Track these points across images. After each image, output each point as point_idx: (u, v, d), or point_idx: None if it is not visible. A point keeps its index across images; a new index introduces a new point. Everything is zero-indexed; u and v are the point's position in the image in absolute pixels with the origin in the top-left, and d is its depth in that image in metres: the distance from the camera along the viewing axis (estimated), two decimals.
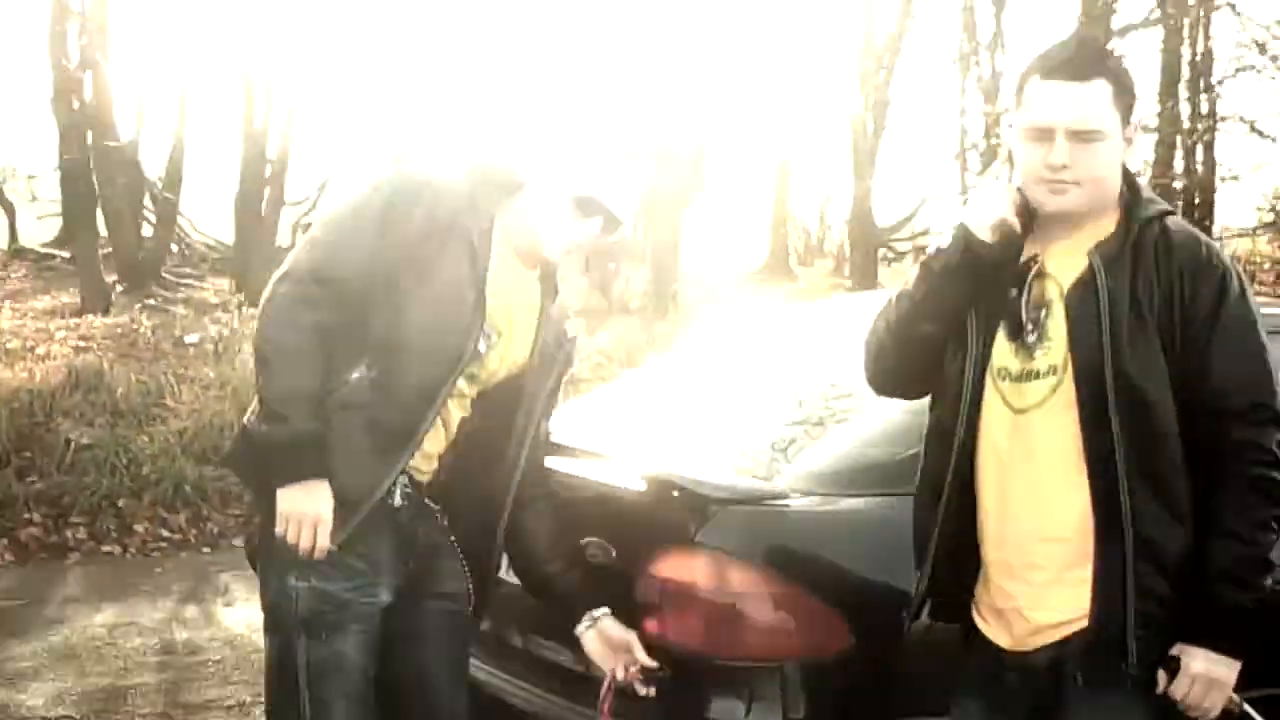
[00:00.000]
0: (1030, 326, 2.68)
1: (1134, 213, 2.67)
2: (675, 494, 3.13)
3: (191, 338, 12.08)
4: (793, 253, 28.77)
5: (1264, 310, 2.74)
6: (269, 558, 3.09)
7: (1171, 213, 2.71)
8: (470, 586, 3.28)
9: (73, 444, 9.01)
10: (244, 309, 12.86)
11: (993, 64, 24.23)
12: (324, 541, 2.97)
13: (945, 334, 2.77)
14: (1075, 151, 2.60)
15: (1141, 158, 3.35)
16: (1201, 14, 19.69)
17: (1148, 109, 18.00)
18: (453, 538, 3.27)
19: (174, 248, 19.23)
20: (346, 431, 3.01)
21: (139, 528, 8.44)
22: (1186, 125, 19.93)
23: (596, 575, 3.28)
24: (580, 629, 3.22)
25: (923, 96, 30.88)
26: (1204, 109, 20.50)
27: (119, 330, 12.74)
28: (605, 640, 3.20)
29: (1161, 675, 2.57)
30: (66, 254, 18.25)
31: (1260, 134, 18.78)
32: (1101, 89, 2.61)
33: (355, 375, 3.03)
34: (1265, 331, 2.66)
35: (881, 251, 24.14)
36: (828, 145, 29.08)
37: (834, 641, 3.05)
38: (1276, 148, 18.83)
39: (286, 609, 3.06)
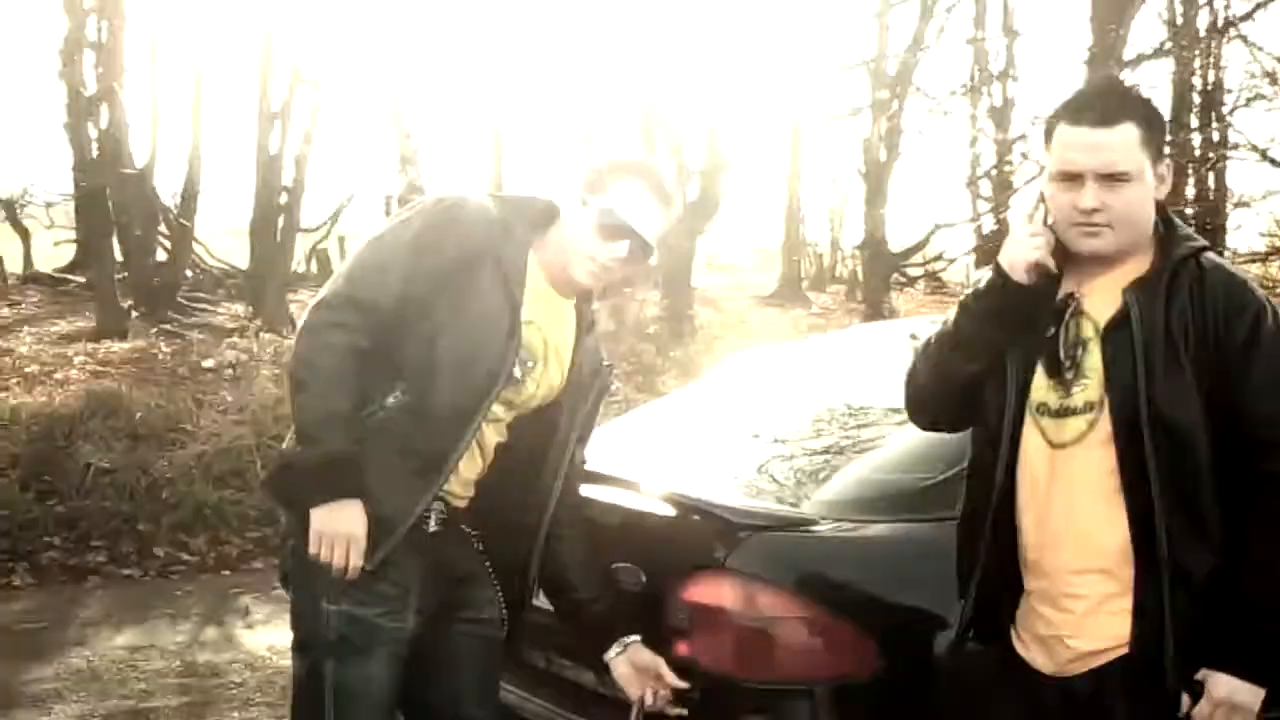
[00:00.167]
0: (1068, 364, 2.71)
1: (1169, 250, 2.70)
2: (703, 519, 3.18)
3: (209, 362, 12.12)
4: (805, 278, 28.78)
5: None
6: (301, 580, 3.14)
7: (1208, 248, 2.74)
8: (504, 612, 3.31)
9: (92, 468, 9.06)
10: (260, 334, 12.89)
11: (1004, 92, 24.33)
12: (357, 561, 3.00)
13: (983, 371, 2.82)
14: (1105, 194, 2.64)
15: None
16: (1212, 45, 19.73)
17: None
18: (488, 563, 3.31)
19: (188, 273, 19.29)
20: (381, 455, 3.05)
21: (159, 551, 8.47)
22: (1198, 153, 19.96)
23: (627, 600, 3.32)
24: (610, 655, 3.26)
25: (935, 123, 30.90)
26: (1214, 137, 20.54)
27: (136, 355, 12.79)
28: (635, 666, 3.23)
29: (1185, 699, 2.60)
30: (81, 279, 18.34)
31: (1272, 162, 18.80)
32: (1129, 132, 2.65)
33: (390, 400, 3.07)
34: None
35: (894, 277, 24.16)
36: (841, 171, 29.12)
37: (863, 664, 3.08)
38: None
39: (316, 631, 3.10)
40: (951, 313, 2.87)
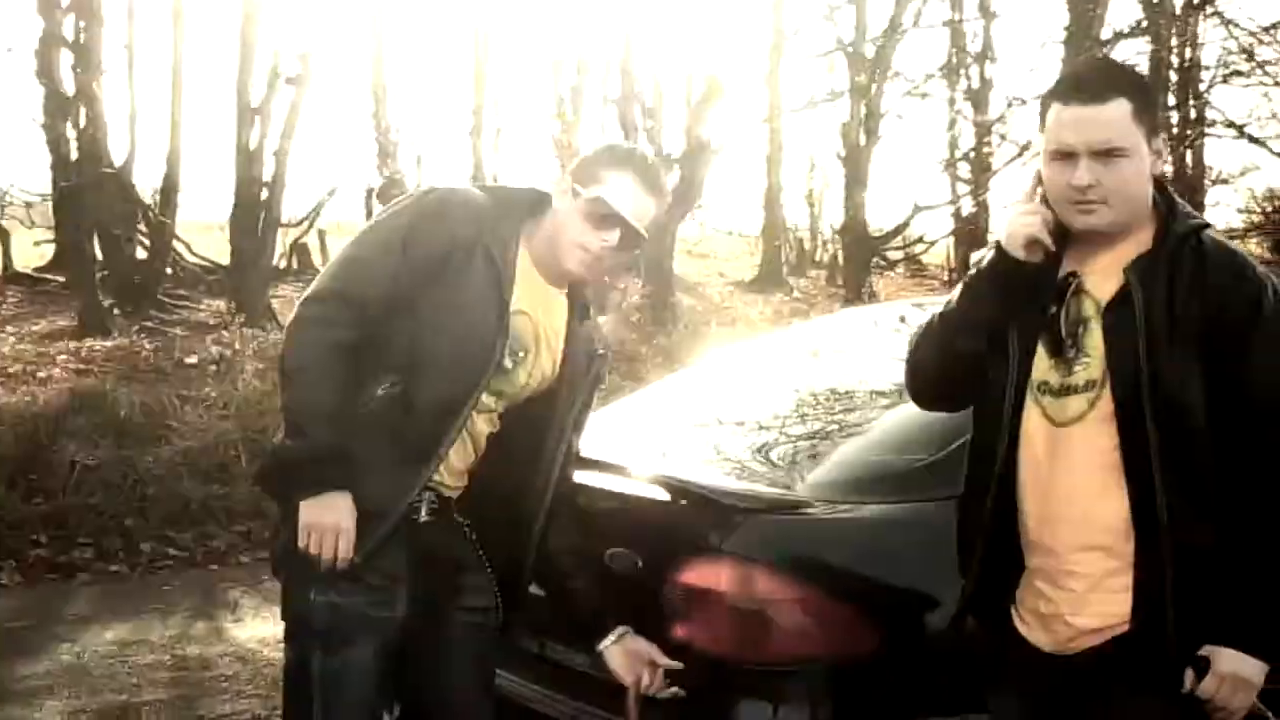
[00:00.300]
0: (1069, 342, 2.72)
1: (1170, 227, 2.71)
2: (699, 503, 3.19)
3: (192, 358, 12.09)
4: (784, 263, 28.78)
5: None
6: (291, 570, 3.15)
7: (1208, 226, 2.75)
8: (499, 600, 3.32)
9: (78, 465, 9.04)
10: (243, 329, 12.86)
11: (982, 74, 24.38)
12: (345, 552, 3.01)
13: (985, 350, 2.82)
14: (1099, 170, 2.64)
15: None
16: (1189, 22, 19.80)
17: None
18: (481, 552, 3.31)
19: (168, 270, 19.22)
20: (370, 445, 3.06)
21: (145, 547, 8.45)
22: (1175, 131, 20.03)
23: (623, 584, 3.33)
24: (605, 644, 3.27)
25: (914, 106, 30.97)
26: (1192, 115, 20.62)
27: (119, 352, 12.76)
28: (629, 654, 3.25)
29: (1189, 674, 2.61)
30: (61, 278, 18.28)
31: (1249, 138, 18.91)
32: (1120, 107, 2.65)
33: (380, 391, 3.08)
34: None
35: (874, 261, 24.18)
36: (820, 155, 29.13)
37: (858, 644, 3.10)
38: (1263, 151, 19.00)
39: (305, 621, 3.12)
40: (954, 292, 2.88)
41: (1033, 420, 2.76)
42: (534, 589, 3.42)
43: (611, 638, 3.27)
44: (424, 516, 3.16)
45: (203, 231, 20.73)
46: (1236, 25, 18.68)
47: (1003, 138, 22.20)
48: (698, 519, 3.21)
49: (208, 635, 6.98)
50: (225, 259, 18.24)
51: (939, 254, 28.43)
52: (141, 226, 18.13)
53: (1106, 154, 2.64)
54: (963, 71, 24.39)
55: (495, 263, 3.13)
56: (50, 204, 19.01)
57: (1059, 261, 2.77)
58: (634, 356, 13.36)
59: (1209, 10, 19.15)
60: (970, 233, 24.26)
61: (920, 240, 26.68)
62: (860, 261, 22.19)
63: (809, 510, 3.24)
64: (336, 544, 3.01)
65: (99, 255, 16.28)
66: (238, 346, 12.24)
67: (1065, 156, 2.67)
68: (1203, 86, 20.09)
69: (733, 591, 3.11)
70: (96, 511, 8.60)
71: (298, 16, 18.07)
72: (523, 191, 3.32)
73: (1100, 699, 2.69)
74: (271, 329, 13.85)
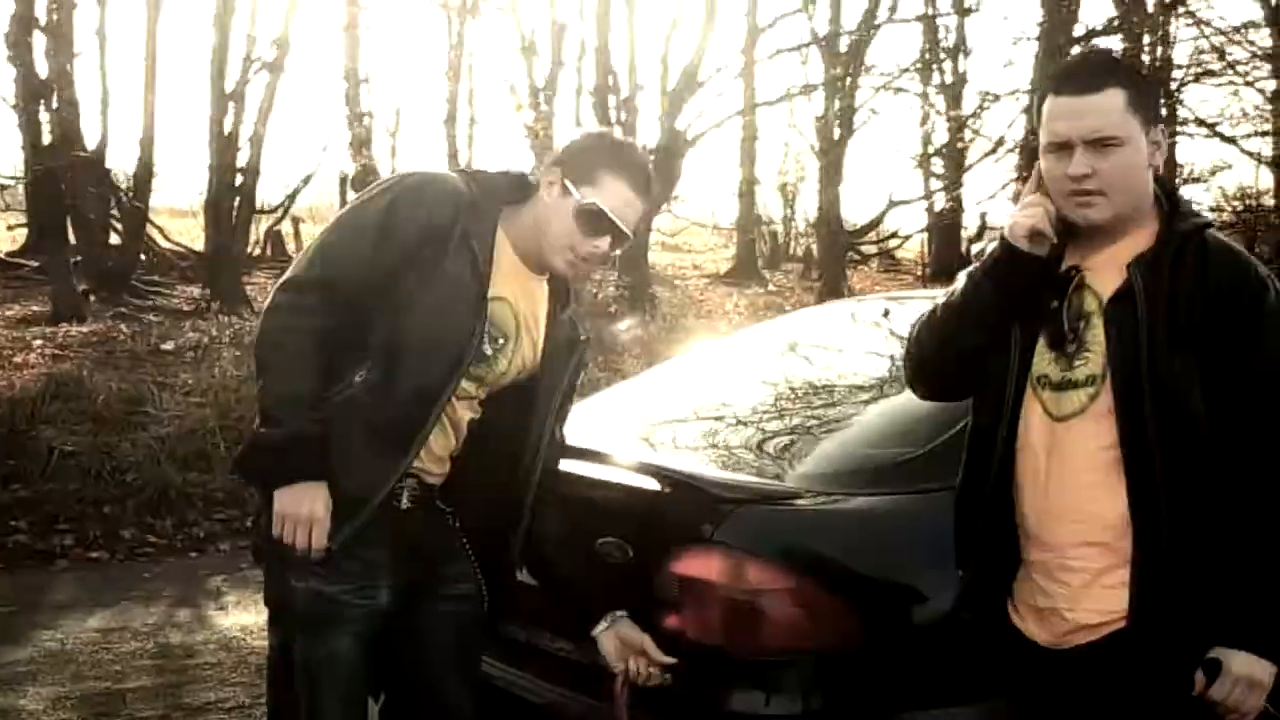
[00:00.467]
0: (1070, 337, 2.73)
1: (1173, 225, 2.72)
2: (690, 493, 3.22)
3: (169, 344, 12.08)
4: (760, 256, 28.84)
5: None
6: (271, 558, 3.14)
7: (1211, 225, 2.77)
8: (483, 587, 3.32)
9: (56, 451, 9.04)
10: (220, 316, 12.85)
11: (955, 69, 24.49)
12: (319, 542, 3.01)
13: (987, 342, 2.83)
14: (1094, 160, 2.66)
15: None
16: (1161, 21, 19.89)
17: None
18: (465, 540, 3.31)
19: (142, 256, 19.15)
20: (346, 433, 3.05)
21: (125, 533, 8.45)
22: None
23: (613, 574, 3.35)
24: (598, 630, 3.28)
25: (888, 101, 31.05)
26: (1164, 113, 20.67)
27: (96, 338, 12.73)
28: (621, 641, 3.26)
29: (1199, 677, 2.61)
30: (34, 263, 18.19)
31: (1221, 137, 19.01)
32: (1113, 97, 2.67)
33: (357, 378, 3.07)
34: None
35: (848, 254, 24.28)
36: (794, 149, 29.19)
37: (849, 635, 3.12)
38: (1234, 150, 19.11)
39: (287, 609, 3.13)
40: (958, 282, 2.89)
41: (1032, 414, 2.77)
42: (525, 578, 3.43)
43: (605, 623, 3.27)
44: (405, 504, 3.15)
45: (176, 217, 20.66)
46: (1208, 25, 18.76)
47: (976, 133, 22.30)
48: (689, 509, 3.22)
49: (190, 622, 6.98)
50: (199, 245, 18.21)
51: (913, 248, 28.55)
52: (115, 212, 18.08)
53: (1101, 143, 2.66)
54: (937, 67, 24.50)
55: (473, 249, 3.10)
56: (24, 188, 18.94)
57: (1062, 256, 2.78)
58: (612, 348, 13.38)
59: (1181, 10, 19.23)
60: (945, 228, 24.38)
61: (895, 235, 26.79)
62: (835, 255, 22.26)
63: (800, 501, 3.26)
64: (310, 534, 3.00)
65: (73, 240, 16.24)
66: (215, 333, 12.23)
67: (1061, 148, 2.69)
68: (1175, 85, 20.16)
69: (723, 581, 3.12)
70: (76, 498, 8.61)
71: (274, 3, 18.04)
72: (502, 176, 3.28)
73: (1096, 695, 2.70)
74: (248, 316, 13.83)
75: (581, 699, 3.43)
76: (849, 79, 21.49)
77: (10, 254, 19.96)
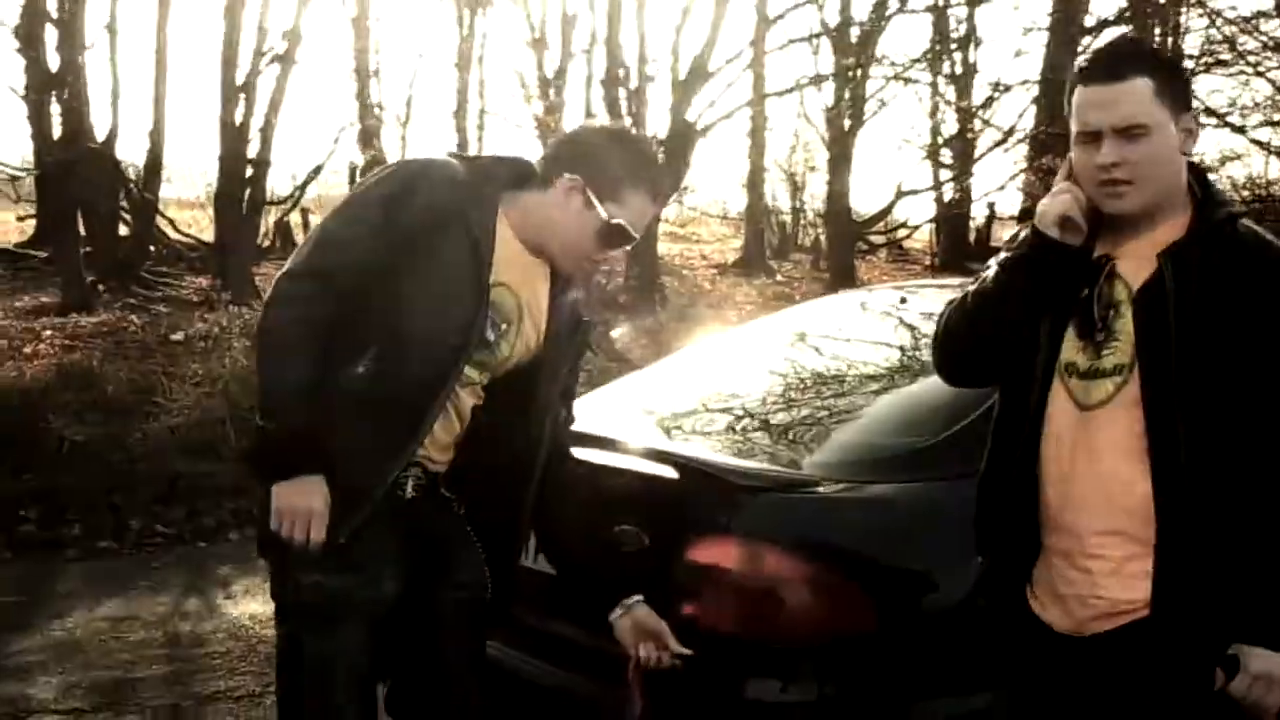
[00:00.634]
0: (1099, 325, 2.71)
1: (1205, 214, 2.70)
2: (706, 481, 3.22)
3: (178, 335, 12.08)
4: (768, 247, 28.82)
5: None
6: (275, 550, 3.12)
7: (1244, 214, 2.74)
8: (489, 575, 3.30)
9: (66, 441, 9.05)
10: (230, 307, 12.85)
11: (965, 60, 24.45)
12: (318, 536, 2.99)
13: (1017, 329, 2.80)
14: (1124, 149, 2.63)
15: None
16: (1172, 11, 19.82)
17: None
18: (470, 527, 3.29)
19: (152, 247, 19.17)
20: (351, 423, 3.04)
21: (134, 523, 8.43)
22: None
23: (630, 561, 3.34)
24: (614, 616, 3.26)
25: (898, 91, 30.98)
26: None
27: (105, 329, 12.75)
28: (638, 626, 3.24)
29: (1219, 674, 2.58)
30: (44, 254, 18.22)
31: (1232, 127, 18.94)
32: (1141, 85, 2.64)
33: (360, 368, 3.05)
34: None
35: (856, 245, 24.27)
36: (804, 139, 29.16)
37: (865, 622, 3.12)
38: (1243, 139, 19.04)
39: (293, 602, 3.12)
40: (990, 269, 2.87)
41: (1058, 402, 2.75)
42: (540, 565, 3.44)
43: (620, 609, 3.26)
44: (410, 493, 3.14)
45: (185, 209, 20.67)
46: (1219, 15, 18.70)
47: (986, 123, 22.28)
48: (706, 497, 3.23)
49: (200, 612, 6.97)
50: (208, 237, 18.23)
51: (922, 238, 28.53)
52: (124, 204, 18.10)
53: (1129, 132, 2.63)
54: (947, 57, 24.45)
55: (474, 235, 3.09)
56: (33, 179, 18.95)
57: (1093, 244, 2.75)
58: (622, 337, 13.37)
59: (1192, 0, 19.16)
60: (953, 218, 24.35)
61: (904, 225, 26.77)
62: (844, 246, 22.24)
63: (817, 489, 3.26)
64: (309, 528, 2.99)
65: (83, 231, 16.26)
66: (224, 324, 12.22)
67: (1090, 138, 2.67)
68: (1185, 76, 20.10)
69: (740, 569, 3.13)
70: (85, 488, 8.58)
71: None
72: (503, 162, 3.27)
73: (1114, 683, 2.68)
74: (258, 307, 13.82)
75: (591, 683, 3.43)
76: (859, 69, 21.45)
77: (20, 245, 19.99)
